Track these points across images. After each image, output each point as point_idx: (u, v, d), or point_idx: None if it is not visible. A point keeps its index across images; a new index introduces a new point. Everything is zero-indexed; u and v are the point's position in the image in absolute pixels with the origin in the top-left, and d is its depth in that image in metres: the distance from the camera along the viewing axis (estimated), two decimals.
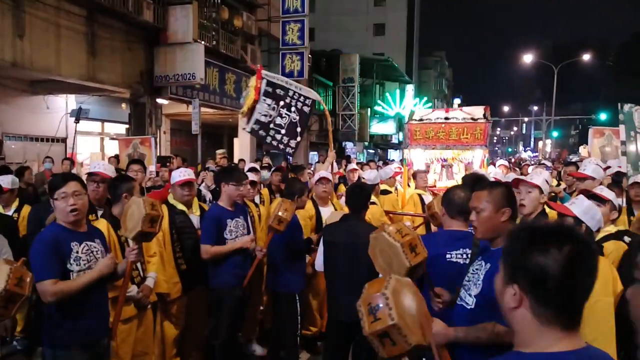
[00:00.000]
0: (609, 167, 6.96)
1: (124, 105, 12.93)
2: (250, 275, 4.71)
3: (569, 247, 1.29)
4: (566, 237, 1.31)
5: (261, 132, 6.56)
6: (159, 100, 12.69)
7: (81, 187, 3.16)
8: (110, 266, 3.18)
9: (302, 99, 6.65)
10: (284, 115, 6.59)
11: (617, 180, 5.57)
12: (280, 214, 4.42)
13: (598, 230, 2.91)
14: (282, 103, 6.61)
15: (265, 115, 6.50)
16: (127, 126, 12.88)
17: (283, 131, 6.60)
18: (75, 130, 8.43)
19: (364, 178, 7.19)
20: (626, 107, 6.29)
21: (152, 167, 7.57)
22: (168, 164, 8.45)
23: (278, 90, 6.58)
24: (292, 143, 6.65)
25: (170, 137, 15.31)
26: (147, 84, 12.15)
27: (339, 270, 3.98)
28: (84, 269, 3.07)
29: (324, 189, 5.78)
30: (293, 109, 6.60)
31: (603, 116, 33.93)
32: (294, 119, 6.60)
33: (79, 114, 8.41)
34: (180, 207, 4.66)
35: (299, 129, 6.64)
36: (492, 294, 2.33)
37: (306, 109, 6.68)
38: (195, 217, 4.73)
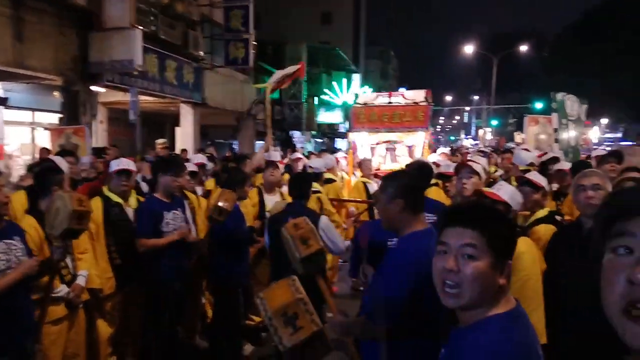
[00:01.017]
0: (546, 154, 7.21)
1: (56, 93, 12.24)
2: (190, 268, 4.59)
3: None
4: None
5: None
6: (94, 88, 12.11)
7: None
8: (34, 268, 2.99)
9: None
10: None
11: (544, 168, 5.78)
12: (220, 204, 4.34)
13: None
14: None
15: None
16: (60, 115, 12.25)
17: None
18: None
19: (310, 167, 7.19)
20: (558, 96, 6.55)
21: (85, 159, 7.21)
22: (104, 155, 8.07)
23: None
24: None
25: (108, 126, 14.68)
26: (80, 71, 11.55)
27: (285, 258, 3.93)
28: (3, 270, 2.87)
29: (271, 174, 5.69)
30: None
31: (539, 105, 35.13)
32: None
33: None
34: (116, 199, 4.46)
35: None
36: (373, 285, 2.37)
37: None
38: (131, 210, 4.54)
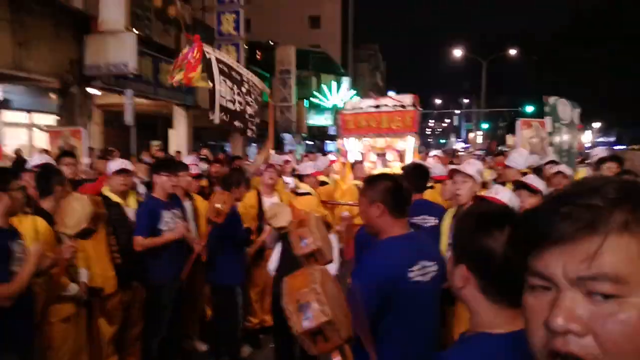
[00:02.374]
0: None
1: (52, 95, 12.31)
2: (188, 268, 4.65)
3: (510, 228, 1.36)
4: (507, 219, 1.39)
5: (237, 124, 5.95)
6: (90, 90, 12.18)
7: None
8: (43, 257, 3.07)
9: (254, 87, 6.38)
10: (250, 103, 6.22)
11: (539, 172, 5.79)
12: (217, 205, 4.38)
13: None
14: (243, 90, 6.12)
15: (232, 102, 5.89)
16: (56, 117, 12.32)
17: (256, 120, 6.35)
18: None
19: (297, 169, 7.25)
20: (551, 99, 6.63)
21: (85, 160, 7.28)
22: (109, 157, 8.13)
23: (234, 74, 6.00)
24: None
25: (103, 128, 14.74)
26: (77, 74, 11.62)
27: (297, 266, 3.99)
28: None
29: (270, 177, 5.76)
30: (249, 98, 6.27)
31: (529, 108, 35.37)
32: (255, 109, 6.38)
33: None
34: (115, 199, 4.53)
35: (258, 120, 6.49)
36: None
37: (260, 99, 6.42)
38: (131, 210, 4.61)
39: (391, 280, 2.21)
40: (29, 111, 12.92)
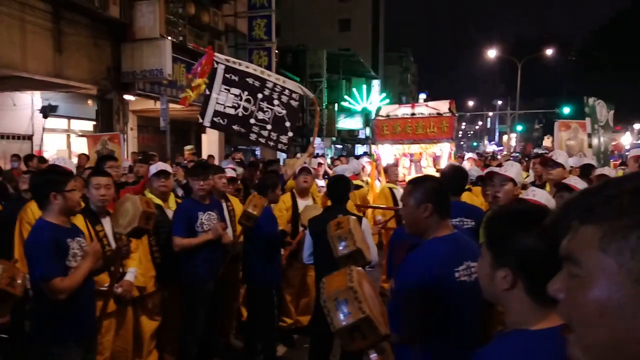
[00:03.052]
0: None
1: (90, 101, 12.68)
2: (223, 268, 4.72)
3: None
4: (544, 216, 1.36)
5: (236, 127, 6.07)
6: (126, 97, 12.48)
7: None
8: (101, 256, 3.22)
9: (287, 92, 6.31)
10: (265, 109, 6.19)
11: (585, 173, 5.67)
12: (249, 210, 4.45)
13: None
14: (260, 96, 6.17)
15: (234, 108, 6.01)
16: (94, 123, 12.67)
17: (269, 126, 6.20)
18: (44, 128, 8.22)
19: (330, 172, 7.27)
20: (591, 100, 6.51)
21: (125, 163, 7.48)
22: (151, 161, 8.35)
23: (250, 80, 6.11)
24: (283, 139, 6.33)
25: (137, 133, 15.07)
26: (114, 80, 11.95)
27: (329, 260, 4.01)
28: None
29: (304, 180, 5.82)
30: (276, 102, 6.23)
31: (566, 110, 34.55)
32: (279, 113, 6.24)
33: (47, 110, 8.18)
34: (157, 201, 4.64)
35: (287, 124, 6.30)
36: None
37: (294, 103, 6.32)
38: (171, 212, 4.72)
39: (437, 279, 2.22)
40: (67, 117, 13.34)
